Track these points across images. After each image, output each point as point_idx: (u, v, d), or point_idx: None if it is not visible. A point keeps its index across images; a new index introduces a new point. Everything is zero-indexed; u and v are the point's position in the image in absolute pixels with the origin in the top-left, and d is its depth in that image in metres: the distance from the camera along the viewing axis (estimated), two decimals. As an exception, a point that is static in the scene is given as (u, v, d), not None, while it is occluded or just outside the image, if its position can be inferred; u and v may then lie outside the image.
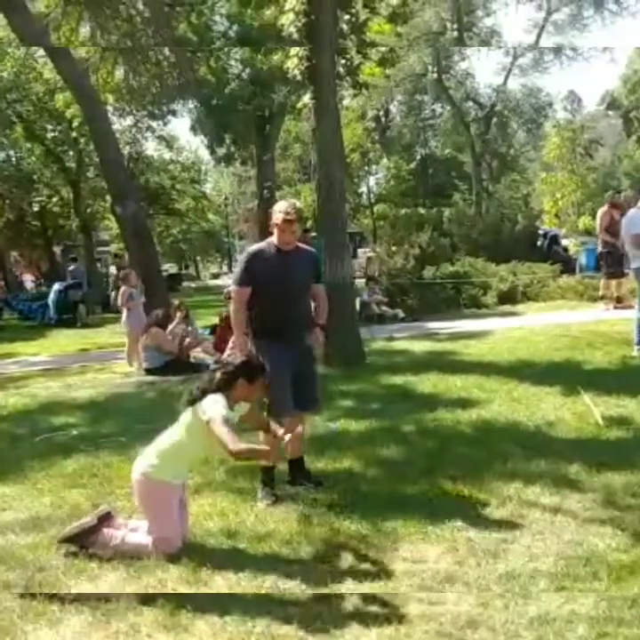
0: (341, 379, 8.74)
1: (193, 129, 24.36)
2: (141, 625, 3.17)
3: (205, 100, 21.83)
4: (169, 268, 48.38)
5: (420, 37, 33.81)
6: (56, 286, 20.57)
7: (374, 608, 3.29)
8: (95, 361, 11.85)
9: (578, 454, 5.24)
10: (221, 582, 3.57)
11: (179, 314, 10.71)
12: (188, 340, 10.42)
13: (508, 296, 16.50)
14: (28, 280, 40.24)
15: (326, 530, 4.14)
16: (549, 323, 12.30)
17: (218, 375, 4.08)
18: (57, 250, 37.89)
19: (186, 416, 4.11)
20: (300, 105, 9.54)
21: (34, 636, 3.16)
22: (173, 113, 25.16)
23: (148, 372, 9.87)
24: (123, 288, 11.04)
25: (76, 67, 14.07)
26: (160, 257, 57.42)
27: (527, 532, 4.03)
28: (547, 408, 6.71)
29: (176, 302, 11.48)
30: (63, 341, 15.48)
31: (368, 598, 3.36)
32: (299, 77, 8.98)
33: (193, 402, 4.06)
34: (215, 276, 60.64)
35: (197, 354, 10.73)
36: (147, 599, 3.38)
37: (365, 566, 3.72)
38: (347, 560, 3.78)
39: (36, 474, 5.55)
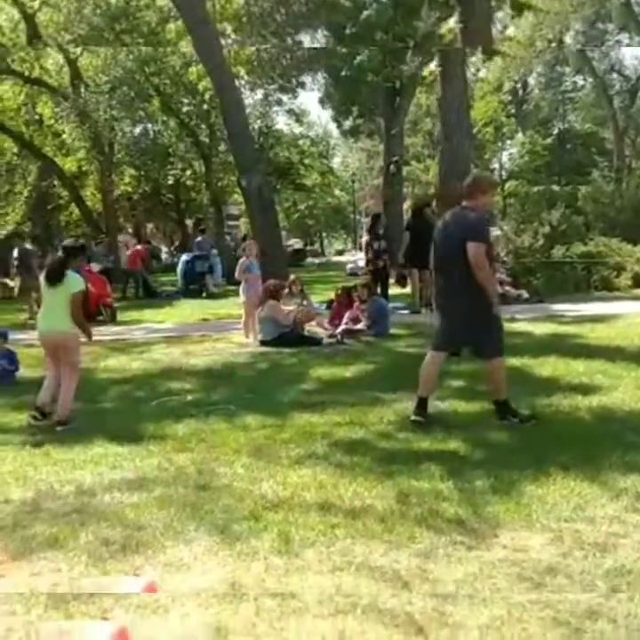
0: (454, 358, 8.45)
1: (321, 102, 24.30)
2: (260, 548, 3.63)
3: (334, 72, 21.41)
4: (294, 243, 49.03)
5: (585, 3, 31.59)
6: (183, 257, 21.24)
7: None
8: (214, 330, 12.15)
9: None
10: (311, 555, 3.54)
11: (293, 288, 10.77)
12: (302, 313, 10.47)
13: (644, 279, 15.53)
14: (163, 252, 41.89)
15: (424, 511, 4.02)
16: (688, 308, 11.48)
17: None
18: (189, 223, 39.28)
19: None
20: (425, 72, 9.14)
21: (171, 550, 3.65)
22: (302, 85, 25.16)
23: (263, 343, 10.01)
24: (242, 259, 11.19)
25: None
26: (286, 232, 58.56)
27: (606, 498, 3.82)
28: (678, 399, 6.24)
29: (291, 277, 11.54)
30: (188, 311, 15.98)
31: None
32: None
33: None
34: (339, 253, 60.73)
35: (312, 327, 10.78)
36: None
37: (461, 552, 3.57)
38: (441, 543, 3.65)
39: (149, 435, 5.75)
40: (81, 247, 7.21)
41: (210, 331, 12.17)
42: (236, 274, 11.17)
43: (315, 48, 16.93)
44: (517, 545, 3.62)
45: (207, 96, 21.45)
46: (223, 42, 17.39)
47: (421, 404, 5.85)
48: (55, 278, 6.35)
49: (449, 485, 4.44)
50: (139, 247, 22.12)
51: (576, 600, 3.06)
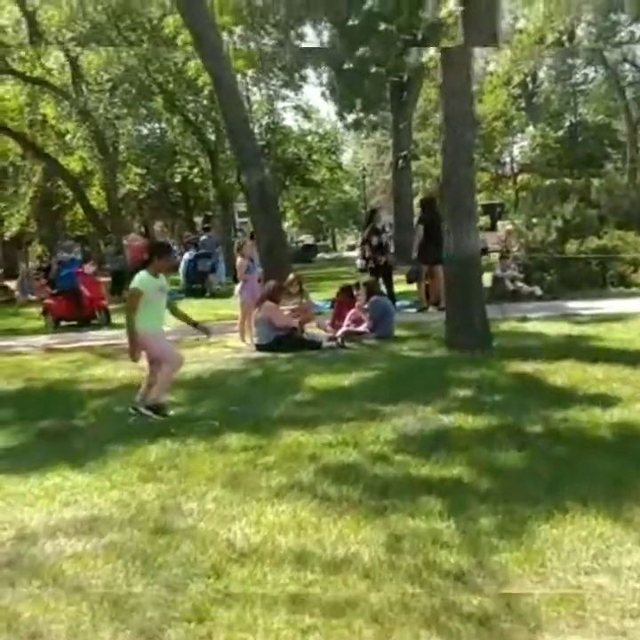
0: (462, 363, 7.90)
1: (323, 95, 23.68)
2: None
3: (336, 64, 20.74)
4: (305, 238, 48.49)
5: None
6: (186, 256, 20.71)
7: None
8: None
9: None
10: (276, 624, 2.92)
11: (292, 288, 10.17)
12: (299, 311, 9.88)
13: (662, 274, 14.80)
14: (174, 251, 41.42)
15: (418, 562, 3.41)
16: None
17: None
18: (198, 220, 38.81)
19: None
20: (425, 58, 8.48)
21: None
22: (304, 79, 24.54)
23: (259, 347, 9.43)
24: (239, 259, 10.62)
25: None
26: (298, 228, 57.98)
27: (631, 542, 3.21)
28: None
29: (291, 276, 10.91)
30: (188, 311, 15.34)
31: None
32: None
33: None
34: (351, 248, 60.19)
35: (312, 329, 10.19)
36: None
37: (460, 617, 2.96)
38: (437, 606, 3.04)
39: (116, 460, 5.18)
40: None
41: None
42: (238, 275, 10.67)
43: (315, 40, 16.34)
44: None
45: (208, 91, 20.90)
46: (225, 37, 16.85)
47: None
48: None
49: (450, 525, 3.82)
50: (136, 243, 21.50)
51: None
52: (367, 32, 18.54)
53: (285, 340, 9.34)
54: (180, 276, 20.29)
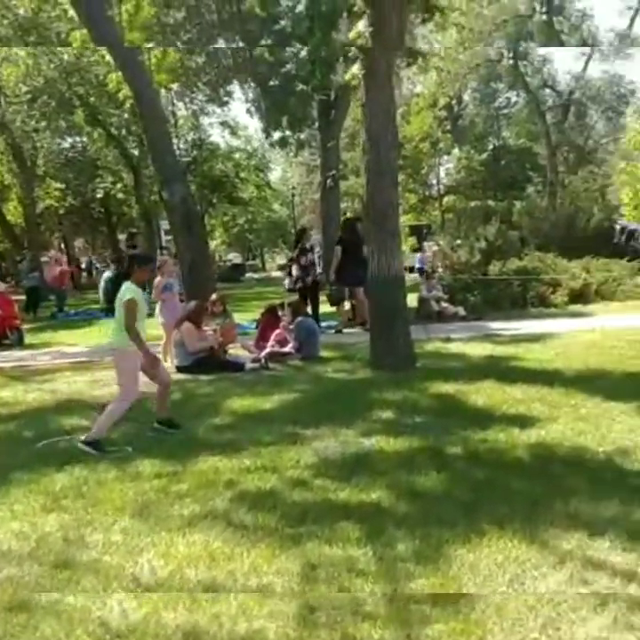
0: (385, 385, 7.87)
1: (248, 112, 23.53)
2: None
3: (262, 81, 20.66)
4: (233, 258, 48.17)
5: (508, 20, 31.82)
6: (106, 274, 20.15)
7: None
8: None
9: (658, 495, 4.27)
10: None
11: (215, 308, 9.95)
12: (221, 331, 9.67)
13: (579, 295, 15.21)
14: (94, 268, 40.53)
15: (332, 591, 3.28)
16: (625, 326, 11.10)
17: None
18: (122, 237, 38.05)
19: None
20: (347, 76, 8.47)
21: None
22: (230, 94, 24.35)
23: (179, 369, 9.17)
24: (157, 278, 10.22)
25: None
26: (226, 246, 57.43)
27: (586, 609, 3.10)
28: (620, 430, 5.71)
29: (213, 296, 10.66)
30: (108, 331, 14.97)
31: None
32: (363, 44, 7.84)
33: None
34: (281, 268, 60.09)
35: (235, 350, 9.99)
36: None
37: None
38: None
39: (19, 489, 4.88)
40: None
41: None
42: (153, 295, 10.22)
43: (241, 56, 16.14)
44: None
45: (129, 105, 20.51)
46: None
47: None
48: None
49: (366, 552, 3.73)
50: (66, 267, 21.09)
51: None
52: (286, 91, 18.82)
53: (207, 362, 9.10)
54: (100, 295, 19.71)
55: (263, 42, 19.24)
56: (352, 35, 7.97)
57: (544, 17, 35.83)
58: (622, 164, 24.55)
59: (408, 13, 8.24)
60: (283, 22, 19.69)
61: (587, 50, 39.65)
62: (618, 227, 22.33)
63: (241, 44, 19.32)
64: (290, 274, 13.58)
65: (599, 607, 3.10)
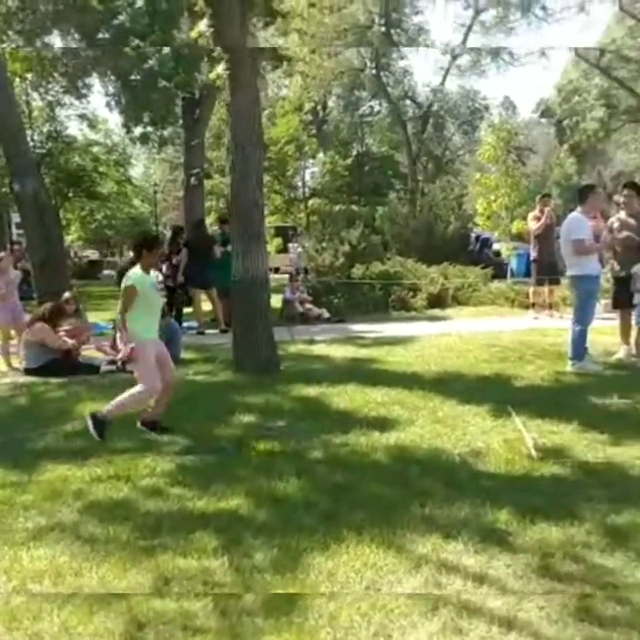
0: (248, 387, 7.77)
1: (108, 106, 22.74)
2: None
3: (123, 74, 19.98)
4: (90, 254, 46.40)
5: (348, 30, 32.73)
6: None
7: None
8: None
9: (508, 495, 4.43)
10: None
11: (67, 307, 9.45)
12: (77, 336, 9.21)
13: (437, 299, 15.80)
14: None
15: (185, 608, 3.15)
16: (479, 330, 11.60)
17: None
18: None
19: None
20: (212, 76, 8.32)
21: None
22: (88, 87, 23.40)
23: (28, 371, 8.65)
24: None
25: None
26: (83, 242, 55.18)
27: (442, 613, 3.13)
28: (474, 432, 5.89)
29: (66, 295, 10.12)
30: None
31: None
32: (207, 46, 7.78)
33: None
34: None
35: (90, 352, 9.55)
36: None
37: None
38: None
39: None
40: None
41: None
42: None
43: (102, 48, 15.48)
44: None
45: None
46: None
47: None
48: None
49: (223, 562, 3.61)
50: None
51: None
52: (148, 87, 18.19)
53: (59, 364, 8.64)
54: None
55: (100, 35, 18.46)
56: (193, 34, 7.90)
57: (382, 28, 37.18)
58: (477, 175, 25.69)
59: (251, 16, 8.21)
60: (121, 17, 19.06)
61: (445, 63, 41.46)
62: (473, 235, 23.39)
63: (77, 37, 18.53)
64: (160, 270, 13.22)
65: (430, 612, 3.13)
